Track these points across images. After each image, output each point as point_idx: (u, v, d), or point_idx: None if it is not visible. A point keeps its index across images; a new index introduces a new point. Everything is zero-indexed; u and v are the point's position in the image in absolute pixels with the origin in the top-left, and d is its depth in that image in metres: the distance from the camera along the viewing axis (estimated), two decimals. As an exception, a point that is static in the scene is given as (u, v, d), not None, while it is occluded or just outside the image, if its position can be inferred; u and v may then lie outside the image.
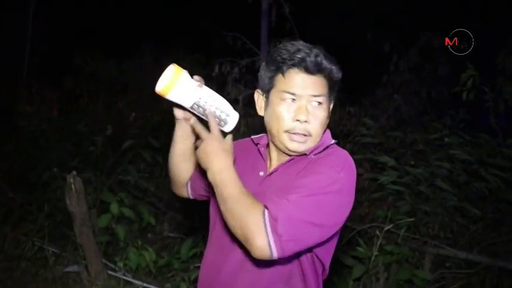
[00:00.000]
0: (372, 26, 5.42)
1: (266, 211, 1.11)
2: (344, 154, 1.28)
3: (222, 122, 1.30)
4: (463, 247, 3.28)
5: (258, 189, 1.31)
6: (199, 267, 3.36)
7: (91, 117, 6.04)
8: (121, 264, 3.52)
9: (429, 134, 3.93)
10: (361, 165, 4.28)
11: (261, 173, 1.37)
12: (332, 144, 1.33)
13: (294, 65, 1.24)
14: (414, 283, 3.05)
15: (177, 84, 1.27)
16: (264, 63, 1.35)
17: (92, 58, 7.12)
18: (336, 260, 2.90)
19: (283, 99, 1.27)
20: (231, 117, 1.31)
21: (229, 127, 1.31)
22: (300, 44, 1.28)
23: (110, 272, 3.52)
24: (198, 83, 1.30)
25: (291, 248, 1.13)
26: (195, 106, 1.29)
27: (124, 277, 3.50)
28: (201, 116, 1.31)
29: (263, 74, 1.33)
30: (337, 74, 1.28)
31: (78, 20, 8.25)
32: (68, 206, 3.31)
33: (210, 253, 1.43)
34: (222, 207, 1.17)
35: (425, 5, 5.77)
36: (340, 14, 6.17)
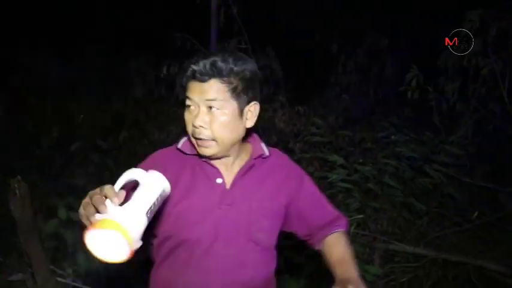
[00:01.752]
0: (320, 26, 5.51)
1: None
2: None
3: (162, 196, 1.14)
4: (410, 241, 3.40)
5: (225, 198, 1.36)
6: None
7: (39, 118, 5.81)
8: (70, 270, 3.42)
9: (377, 133, 4.05)
10: (311, 163, 4.35)
11: (219, 180, 1.38)
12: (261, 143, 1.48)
13: (188, 76, 1.30)
14: (365, 279, 3.12)
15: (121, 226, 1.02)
16: None
17: (39, 56, 6.86)
18: (287, 259, 2.94)
19: (186, 106, 1.34)
20: (160, 183, 1.14)
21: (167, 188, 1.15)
22: (205, 53, 1.32)
23: (58, 278, 3.41)
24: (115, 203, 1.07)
25: None
26: (148, 215, 1.09)
27: (73, 283, 3.39)
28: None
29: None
30: (241, 73, 1.28)
31: (23, 17, 7.92)
32: (12, 212, 3.18)
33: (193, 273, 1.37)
34: None
35: (370, 7, 5.92)
36: (289, 14, 6.23)
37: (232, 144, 1.35)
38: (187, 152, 1.41)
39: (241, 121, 1.33)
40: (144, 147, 4.87)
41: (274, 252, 1.49)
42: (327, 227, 1.52)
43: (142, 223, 1.07)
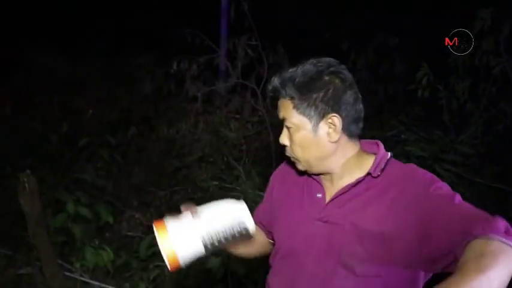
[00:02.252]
0: (330, 24, 5.49)
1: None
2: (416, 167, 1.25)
3: (244, 231, 1.18)
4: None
5: (321, 214, 1.28)
6: (158, 266, 3.30)
7: (46, 115, 5.85)
8: (78, 265, 3.44)
9: (386, 131, 4.02)
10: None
11: (319, 195, 1.31)
12: (390, 158, 1.26)
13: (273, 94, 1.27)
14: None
15: (172, 244, 1.11)
16: None
17: (44, 54, 6.89)
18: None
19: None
20: (245, 218, 1.19)
21: (251, 228, 1.21)
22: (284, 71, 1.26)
23: (66, 273, 3.43)
24: (189, 216, 1.19)
25: None
26: (209, 246, 1.13)
27: (81, 278, 3.41)
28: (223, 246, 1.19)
29: None
30: (293, 93, 1.21)
31: (28, 14, 7.95)
32: (22, 206, 3.20)
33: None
34: None
35: (380, 4, 5.88)
36: (299, 12, 6.21)
37: (323, 161, 1.25)
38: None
39: (320, 137, 1.22)
40: (152, 143, 4.88)
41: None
42: (469, 235, 1.03)
43: (194, 249, 1.12)
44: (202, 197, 4.07)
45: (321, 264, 1.23)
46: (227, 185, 4.10)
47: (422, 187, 1.16)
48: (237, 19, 4.18)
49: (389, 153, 1.27)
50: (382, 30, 5.00)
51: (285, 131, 1.26)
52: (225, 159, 4.34)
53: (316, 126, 1.21)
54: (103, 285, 3.36)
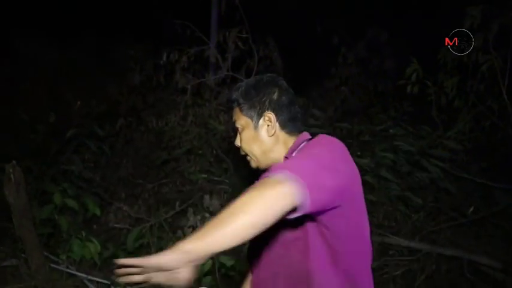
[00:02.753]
0: (321, 17, 5.48)
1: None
2: (318, 139, 1.39)
3: None
4: (405, 235, 3.41)
5: None
6: (146, 258, 3.27)
7: (33, 105, 5.77)
8: (64, 257, 3.41)
9: (375, 126, 4.04)
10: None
11: None
12: (305, 140, 1.43)
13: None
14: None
15: None
16: None
17: (32, 42, 6.78)
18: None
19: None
20: None
21: None
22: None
23: (52, 265, 3.40)
24: None
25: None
26: None
27: (67, 270, 3.39)
28: None
29: None
30: (238, 99, 1.45)
31: (16, 1, 7.81)
32: (7, 197, 3.16)
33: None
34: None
35: (372, 1, 5.89)
36: (291, 5, 6.19)
37: (267, 154, 1.45)
38: None
39: (261, 133, 1.44)
40: (141, 135, 4.85)
41: None
42: None
43: None
44: (191, 189, 4.06)
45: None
46: (216, 178, 4.10)
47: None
48: (228, 11, 4.16)
49: (309, 136, 1.45)
50: (373, 26, 5.01)
51: (237, 134, 1.49)
52: (214, 151, 4.34)
53: (256, 123, 1.44)
54: (89, 277, 3.34)
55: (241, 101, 1.44)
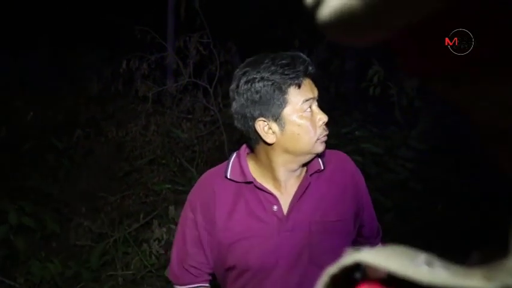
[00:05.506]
0: (282, 21, 5.47)
1: None
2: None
3: None
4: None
5: (284, 225, 1.27)
6: (111, 275, 3.15)
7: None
8: (22, 280, 3.21)
9: (339, 128, 4.03)
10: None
11: (275, 208, 1.28)
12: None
13: (305, 75, 1.22)
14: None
15: None
16: (259, 89, 1.22)
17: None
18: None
19: (304, 110, 1.22)
20: None
21: None
22: (286, 54, 1.24)
23: (9, 288, 3.20)
24: None
25: None
26: None
27: (26, 293, 3.20)
28: None
29: (266, 99, 1.21)
30: (313, 69, 1.27)
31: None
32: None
33: None
34: None
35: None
36: (252, 9, 6.16)
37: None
38: (238, 180, 1.30)
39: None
40: (101, 146, 4.68)
41: None
42: (373, 240, 1.50)
43: None
44: (155, 200, 3.93)
45: (293, 272, 1.27)
46: (180, 188, 3.99)
47: (351, 173, 1.38)
48: (189, 16, 4.07)
49: None
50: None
51: (318, 109, 1.26)
52: (178, 161, 4.24)
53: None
54: (51, 299, 3.17)
55: (313, 71, 1.24)
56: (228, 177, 1.30)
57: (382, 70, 3.93)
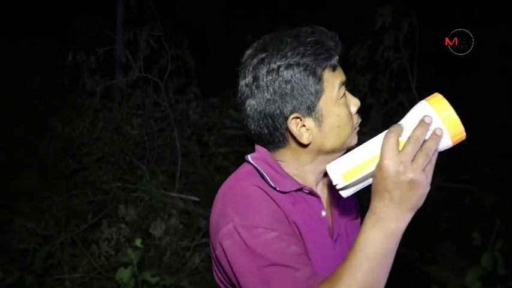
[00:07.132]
0: (233, 15, 5.42)
1: None
2: None
3: None
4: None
5: (332, 234, 1.10)
6: (58, 279, 3.02)
7: None
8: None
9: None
10: (227, 157, 4.26)
11: (323, 213, 1.09)
12: None
13: (336, 53, 1.01)
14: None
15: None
16: (289, 78, 0.99)
17: None
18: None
19: (341, 97, 1.03)
20: None
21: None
22: (308, 30, 1.03)
23: None
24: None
25: None
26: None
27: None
28: None
29: (299, 88, 0.99)
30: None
31: None
32: None
33: None
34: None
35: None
36: (203, 2, 6.08)
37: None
38: (288, 190, 1.04)
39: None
40: (46, 142, 4.48)
41: None
42: None
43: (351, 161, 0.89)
44: (104, 199, 3.80)
45: None
46: (131, 186, 3.89)
47: None
48: (139, 7, 3.94)
49: None
50: (284, 23, 5.03)
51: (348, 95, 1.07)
52: (127, 158, 4.15)
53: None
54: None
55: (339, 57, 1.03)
56: (275, 186, 1.02)
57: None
